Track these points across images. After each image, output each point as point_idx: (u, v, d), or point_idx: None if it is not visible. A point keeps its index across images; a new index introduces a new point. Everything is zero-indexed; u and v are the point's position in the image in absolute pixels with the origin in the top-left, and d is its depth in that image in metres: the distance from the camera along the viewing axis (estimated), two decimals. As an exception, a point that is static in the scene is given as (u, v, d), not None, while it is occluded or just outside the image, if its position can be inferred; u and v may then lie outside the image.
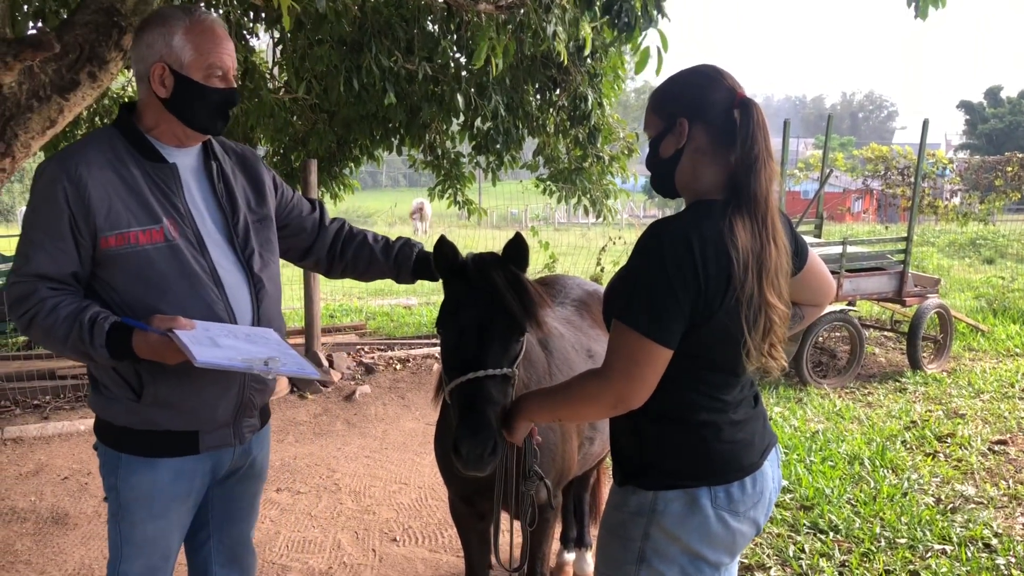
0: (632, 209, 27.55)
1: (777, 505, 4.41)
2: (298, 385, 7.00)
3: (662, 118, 1.87)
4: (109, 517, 2.26)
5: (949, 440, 5.56)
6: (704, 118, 1.81)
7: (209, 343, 1.93)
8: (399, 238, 2.63)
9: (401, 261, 2.56)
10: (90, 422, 6.14)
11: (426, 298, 12.03)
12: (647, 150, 1.96)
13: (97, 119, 7.74)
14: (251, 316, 2.22)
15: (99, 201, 1.99)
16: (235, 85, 2.16)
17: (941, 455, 5.30)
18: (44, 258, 1.99)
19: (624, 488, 1.93)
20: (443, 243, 2.23)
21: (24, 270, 2.01)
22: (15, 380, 6.67)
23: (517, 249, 2.21)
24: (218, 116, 2.14)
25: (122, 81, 7.98)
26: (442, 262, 2.24)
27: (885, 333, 8.77)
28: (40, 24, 5.67)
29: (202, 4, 6.24)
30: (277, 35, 6.88)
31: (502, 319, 2.11)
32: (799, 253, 1.98)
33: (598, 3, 4.44)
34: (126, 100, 7.89)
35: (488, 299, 2.12)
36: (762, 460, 1.92)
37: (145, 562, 2.25)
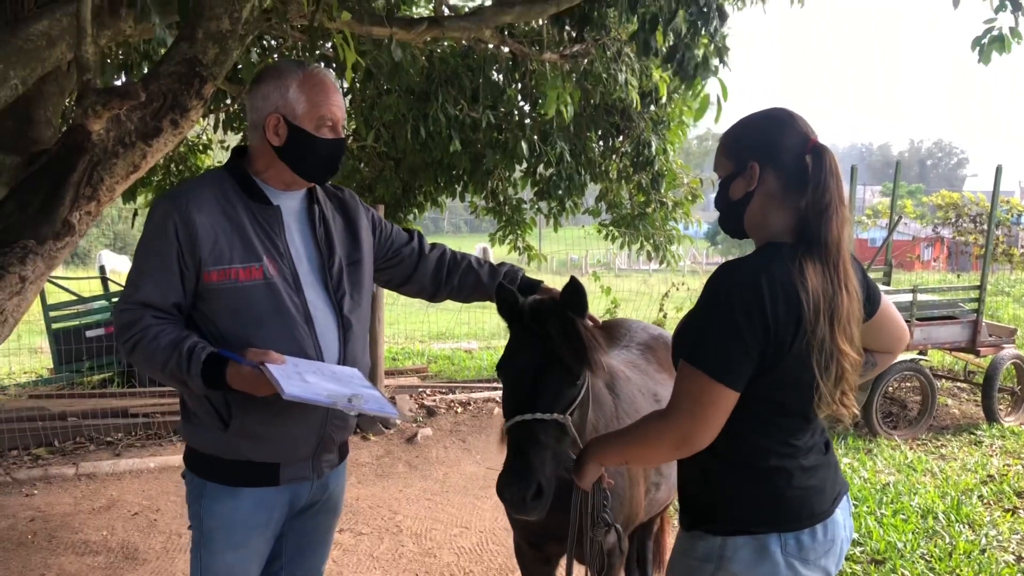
0: (695, 255, 27.35)
1: (847, 558, 4.28)
2: (361, 426, 7.06)
3: (733, 160, 1.87)
4: (192, 546, 2.33)
5: (1029, 496, 5.35)
6: (775, 162, 1.80)
7: (297, 378, 2.01)
8: (503, 264, 2.74)
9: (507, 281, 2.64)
10: (160, 459, 6.28)
11: (486, 342, 12.07)
12: (717, 189, 1.97)
13: (172, 165, 8.02)
14: (338, 354, 2.28)
15: (205, 237, 2.10)
16: (343, 135, 2.27)
17: (1021, 511, 5.09)
18: (151, 288, 2.11)
19: (691, 533, 1.90)
20: (502, 290, 2.30)
21: (132, 298, 2.12)
22: (90, 417, 6.87)
23: (574, 294, 2.24)
24: (326, 167, 2.27)
25: (197, 130, 8.27)
26: (503, 307, 2.30)
27: (958, 384, 8.50)
28: (124, 77, 5.95)
29: (275, 56, 6.47)
30: (347, 85, 7.09)
31: (555, 364, 2.15)
32: (871, 299, 1.95)
33: (661, 52, 4.48)
34: (201, 147, 8.19)
35: (542, 344, 2.17)
36: (833, 507, 1.88)
37: None
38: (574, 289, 2.24)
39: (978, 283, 7.46)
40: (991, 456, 6.35)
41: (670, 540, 4.35)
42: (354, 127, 7.43)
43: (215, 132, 7.79)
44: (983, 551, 4.40)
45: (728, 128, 1.96)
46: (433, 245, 2.70)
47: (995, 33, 4.66)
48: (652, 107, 7.26)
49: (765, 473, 1.81)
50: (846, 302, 1.74)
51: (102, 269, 10.36)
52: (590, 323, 2.34)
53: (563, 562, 2.40)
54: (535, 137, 7.07)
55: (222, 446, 2.20)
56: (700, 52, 4.52)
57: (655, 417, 1.88)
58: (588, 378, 2.27)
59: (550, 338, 2.15)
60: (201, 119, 7.55)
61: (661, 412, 1.84)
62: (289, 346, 2.14)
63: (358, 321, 2.36)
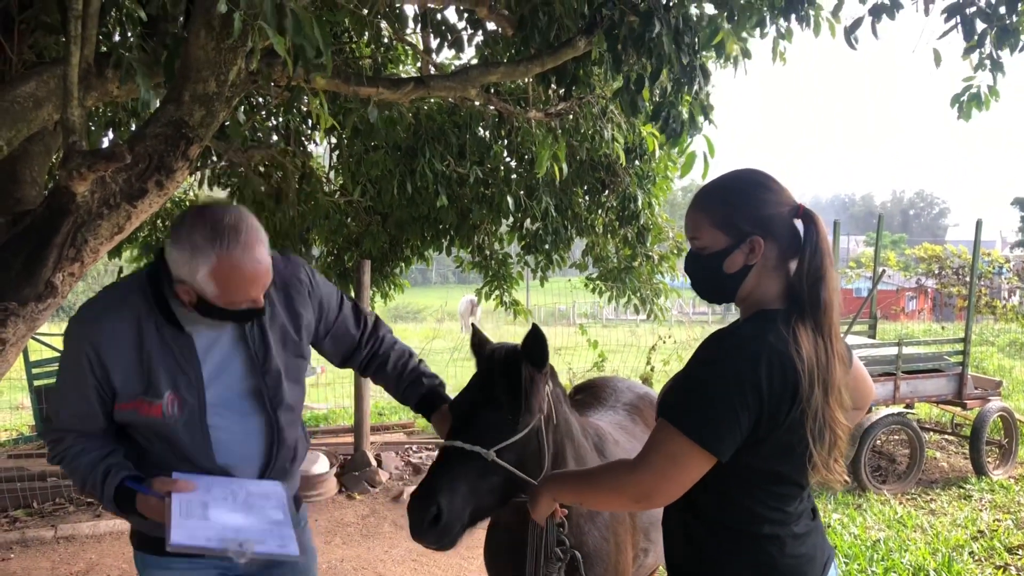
0: (681, 306, 27.41)
1: (840, 619, 4.22)
2: (346, 485, 6.97)
3: (729, 234, 1.80)
4: None
5: (1020, 552, 5.30)
6: (774, 234, 1.79)
7: (200, 514, 1.99)
8: (416, 370, 2.64)
9: (407, 396, 2.63)
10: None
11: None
12: (692, 259, 1.90)
13: (159, 220, 8.01)
14: (261, 468, 2.29)
15: (115, 371, 2.09)
16: (262, 304, 2.11)
17: (1012, 568, 5.05)
18: (71, 417, 2.16)
19: None
20: (474, 333, 2.46)
21: (55, 424, 2.20)
22: (69, 478, 6.75)
23: (534, 342, 2.27)
24: (244, 318, 2.15)
25: (184, 186, 8.29)
26: (473, 348, 2.44)
27: (946, 436, 8.48)
28: (111, 134, 5.97)
29: (263, 113, 6.52)
30: (334, 141, 7.14)
31: (490, 403, 2.20)
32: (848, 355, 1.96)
33: (646, 110, 4.54)
34: (187, 204, 8.19)
35: (484, 382, 2.26)
36: (824, 574, 1.86)
37: None
38: (534, 337, 2.26)
39: (963, 335, 7.49)
40: (981, 511, 6.31)
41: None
42: (341, 183, 7.46)
43: (200, 188, 7.81)
44: (976, 610, 4.35)
45: (707, 193, 1.89)
46: (372, 335, 2.61)
47: (974, 91, 4.75)
48: (637, 162, 7.34)
49: (758, 541, 1.79)
50: (838, 371, 1.73)
51: (86, 324, 10.27)
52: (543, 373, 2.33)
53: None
54: (521, 192, 7.12)
55: (145, 524, 2.18)
56: (685, 110, 4.58)
57: (621, 467, 1.87)
58: (539, 434, 2.25)
59: (492, 378, 2.24)
60: (188, 176, 7.58)
61: (628, 462, 1.83)
62: (193, 470, 2.16)
63: (293, 423, 2.36)
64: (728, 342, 1.75)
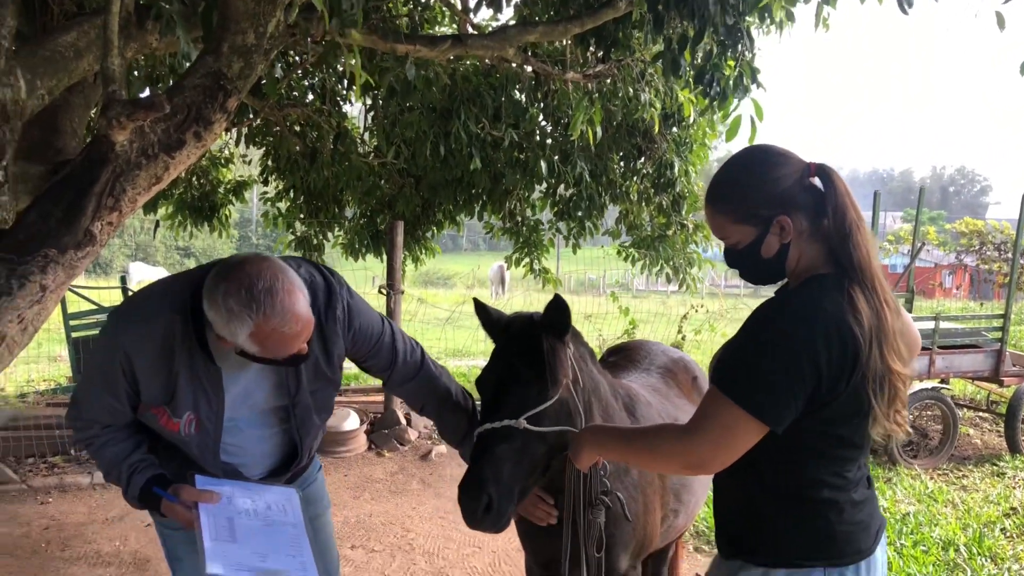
0: (713, 278, 27.20)
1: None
2: (376, 442, 7.04)
3: (753, 224, 1.79)
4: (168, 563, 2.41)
5: (1053, 530, 5.24)
6: (797, 204, 1.76)
7: (227, 535, 2.06)
8: (459, 426, 2.56)
9: (464, 452, 2.55)
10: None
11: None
12: (731, 255, 1.88)
13: (194, 178, 8.07)
14: (270, 473, 2.37)
15: (143, 380, 2.11)
16: (306, 351, 2.07)
17: (1045, 545, 5.00)
18: (100, 411, 2.18)
19: (731, 562, 1.85)
20: (477, 305, 2.42)
21: (82, 414, 2.21)
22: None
23: (556, 311, 2.25)
24: (288, 364, 2.11)
25: (219, 144, 8.33)
26: (484, 324, 2.40)
27: (980, 414, 8.38)
28: (148, 91, 6.00)
29: (299, 72, 6.51)
30: (369, 102, 7.12)
31: (516, 377, 2.18)
32: None
33: (689, 74, 4.46)
34: (223, 161, 8.23)
35: (503, 360, 2.23)
36: (875, 545, 1.83)
37: None
38: (556, 307, 2.24)
39: (1002, 312, 7.36)
40: (1014, 488, 6.24)
41: (686, 565, 4.29)
42: (375, 144, 7.45)
43: (237, 146, 7.85)
44: (1006, 586, 4.32)
45: (716, 192, 1.85)
46: (412, 379, 2.52)
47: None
48: (675, 129, 7.25)
49: (817, 506, 1.77)
50: (890, 319, 1.69)
51: (123, 279, 10.42)
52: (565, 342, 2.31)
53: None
54: (555, 157, 7.06)
55: (165, 518, 2.25)
56: (730, 73, 4.50)
57: (673, 432, 1.84)
58: (571, 396, 2.25)
59: (513, 352, 2.21)
60: (223, 133, 7.61)
61: (681, 429, 1.80)
62: (203, 471, 2.22)
63: (312, 444, 2.42)
64: (784, 312, 1.71)
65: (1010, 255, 9.90)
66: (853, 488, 1.79)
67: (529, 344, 2.20)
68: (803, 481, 1.76)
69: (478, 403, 2.42)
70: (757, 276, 1.88)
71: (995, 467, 6.83)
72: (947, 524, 5.26)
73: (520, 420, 2.10)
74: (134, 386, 2.11)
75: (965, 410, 8.34)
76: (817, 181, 1.76)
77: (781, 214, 1.74)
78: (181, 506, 2.10)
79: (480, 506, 2.03)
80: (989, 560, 4.70)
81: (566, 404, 2.23)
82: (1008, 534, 5.18)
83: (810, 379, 1.63)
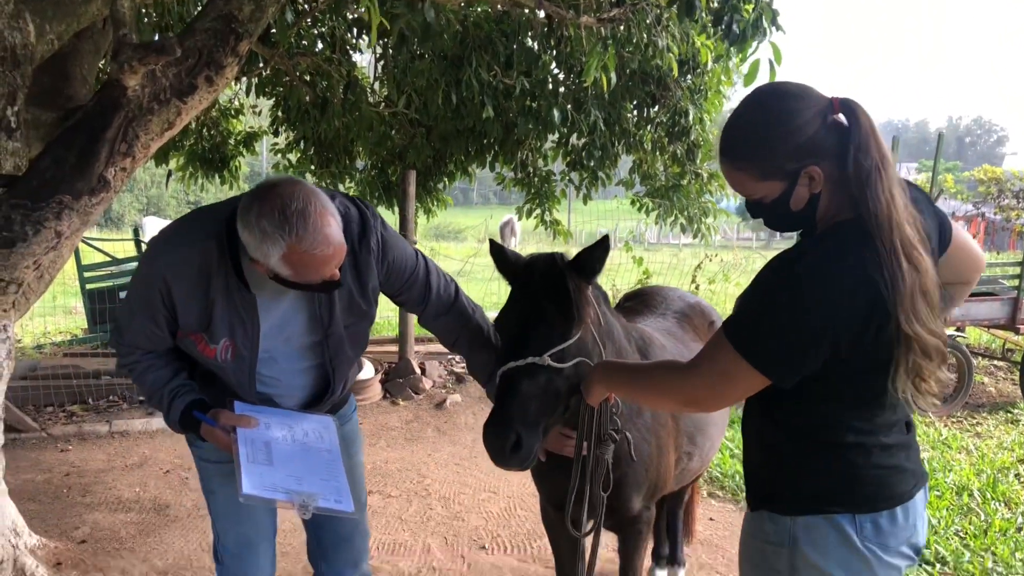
0: (725, 231, 27.07)
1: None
2: (391, 392, 7.09)
3: (779, 179, 1.66)
4: (204, 495, 2.46)
5: (1067, 475, 5.25)
6: (824, 150, 1.62)
7: (264, 458, 2.11)
8: (494, 350, 2.52)
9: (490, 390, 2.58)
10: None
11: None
12: (755, 207, 1.74)
13: (204, 129, 8.03)
14: (304, 405, 2.39)
15: (180, 306, 2.14)
16: (339, 277, 2.08)
17: (1058, 491, 5.01)
18: (141, 337, 2.23)
19: (758, 514, 1.78)
20: (492, 246, 2.39)
21: (124, 339, 2.26)
22: (123, 376, 6.94)
23: (601, 251, 2.24)
24: (321, 291, 2.12)
25: (229, 95, 8.27)
26: (500, 265, 2.37)
27: (995, 362, 8.36)
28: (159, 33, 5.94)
29: (308, 20, 6.42)
30: (380, 51, 7.03)
31: (541, 316, 2.16)
32: (943, 232, 1.78)
33: (706, 16, 4.38)
34: (233, 112, 8.17)
35: (528, 299, 2.20)
36: (915, 491, 1.72)
37: (237, 533, 2.41)
38: (603, 247, 2.24)
39: (1019, 260, 7.30)
40: (1028, 435, 6.25)
41: (700, 510, 4.33)
42: (386, 93, 7.38)
43: (247, 96, 7.78)
44: (1020, 529, 4.33)
45: (733, 149, 1.71)
46: (446, 312, 2.53)
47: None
48: (689, 76, 7.13)
49: (840, 449, 1.67)
50: (908, 279, 1.53)
51: (136, 231, 10.45)
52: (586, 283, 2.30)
53: (590, 524, 2.41)
54: (568, 106, 6.97)
55: (203, 442, 2.31)
56: (748, 13, 4.41)
57: (673, 370, 1.83)
58: (588, 333, 2.25)
59: (537, 290, 2.19)
60: (233, 83, 7.54)
61: (681, 368, 1.78)
62: (242, 400, 2.27)
63: (344, 375, 2.44)
64: (800, 266, 1.59)
65: (1028, 203, 9.79)
66: (883, 432, 1.69)
67: (554, 282, 2.19)
68: (826, 424, 1.68)
69: None
70: (784, 226, 1.77)
71: (1009, 414, 6.84)
72: (961, 470, 5.28)
73: (544, 357, 2.10)
74: (172, 312, 2.14)
75: (980, 358, 8.32)
76: (842, 117, 1.62)
77: (810, 164, 1.61)
78: (220, 430, 2.15)
79: (508, 444, 2.04)
80: (1003, 505, 4.72)
81: (585, 343, 2.23)
82: (1022, 480, 5.20)
83: (822, 337, 1.55)
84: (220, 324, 2.14)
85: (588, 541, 2.44)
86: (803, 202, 1.65)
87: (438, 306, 2.49)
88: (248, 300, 2.14)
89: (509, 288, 2.34)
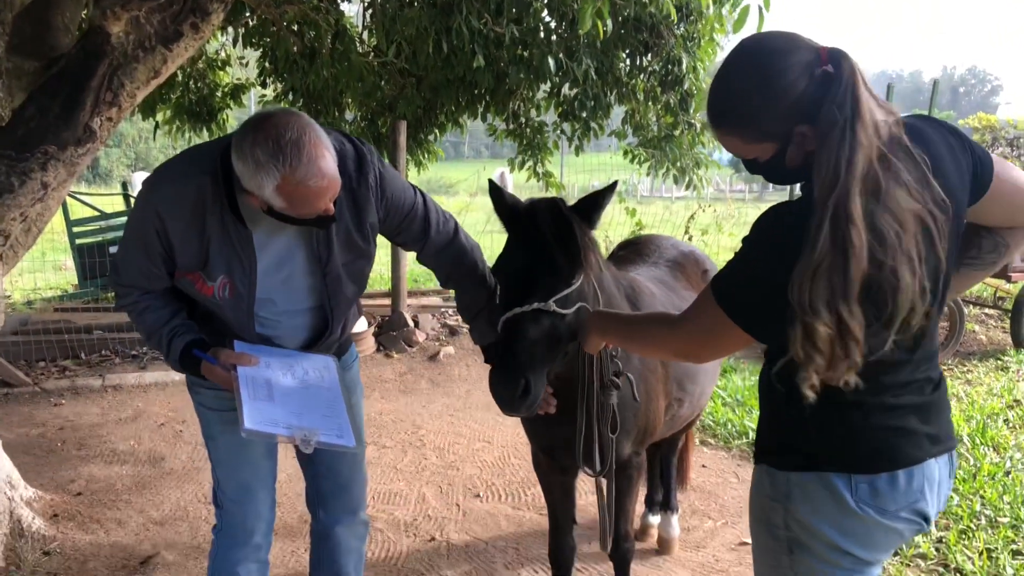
0: (718, 183, 27.00)
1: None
2: (384, 344, 7.10)
3: (770, 140, 1.59)
4: (205, 442, 2.48)
5: (1055, 421, 5.31)
6: (815, 105, 1.51)
7: (265, 394, 2.11)
8: (488, 310, 2.53)
9: (477, 335, 2.62)
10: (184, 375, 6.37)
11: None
12: (752, 165, 1.68)
13: (191, 82, 7.92)
14: (303, 347, 2.38)
15: (178, 246, 2.12)
16: (333, 212, 2.06)
17: (1046, 436, 5.07)
18: (138, 276, 2.23)
19: (759, 468, 1.77)
20: (491, 187, 2.35)
21: (122, 279, 2.26)
22: (115, 331, 6.94)
23: (603, 198, 2.24)
24: (316, 225, 2.11)
25: (215, 46, 8.14)
26: (499, 209, 2.32)
27: (986, 311, 8.41)
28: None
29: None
30: (367, -1, 6.92)
31: (545, 261, 2.14)
32: (981, 169, 1.64)
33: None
34: (220, 64, 8.05)
35: (531, 244, 2.17)
36: (926, 457, 1.63)
37: (237, 479, 2.42)
38: (600, 193, 2.24)
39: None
40: (1018, 381, 6.30)
41: (694, 458, 4.37)
42: (374, 43, 7.27)
43: (234, 47, 7.67)
44: (1007, 473, 4.38)
45: (721, 114, 1.63)
46: (445, 248, 2.52)
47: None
48: (683, 24, 7.04)
49: (839, 408, 1.60)
50: (821, 252, 1.41)
51: (124, 185, 10.36)
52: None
53: (583, 473, 2.44)
54: (560, 54, 6.88)
55: (203, 380, 2.29)
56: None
57: (664, 323, 1.84)
58: (588, 280, 2.25)
59: (542, 236, 2.15)
60: (220, 34, 7.42)
61: (671, 321, 1.79)
62: (242, 340, 2.27)
63: (344, 313, 2.43)
64: (785, 221, 1.54)
65: (1022, 151, 9.77)
66: (890, 392, 1.61)
67: (560, 227, 2.16)
68: (825, 383, 1.57)
69: None
70: (784, 181, 1.71)
71: (999, 362, 6.89)
72: (951, 416, 5.31)
73: (549, 303, 2.09)
74: (169, 251, 2.13)
75: (971, 307, 8.36)
76: (831, 68, 1.51)
77: (800, 124, 1.54)
78: (220, 368, 2.15)
79: (517, 391, 2.03)
80: (991, 449, 4.77)
81: (585, 289, 2.22)
82: (1011, 425, 5.25)
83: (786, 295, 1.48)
84: (217, 261, 2.13)
85: (588, 485, 2.47)
86: (798, 160, 1.59)
87: (437, 242, 2.48)
88: (244, 236, 2.13)
89: (506, 233, 2.32)
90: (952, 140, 1.62)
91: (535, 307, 2.08)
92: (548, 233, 2.16)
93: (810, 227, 1.43)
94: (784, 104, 1.53)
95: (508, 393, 2.04)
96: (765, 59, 1.54)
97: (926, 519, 1.66)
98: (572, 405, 2.38)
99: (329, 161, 1.96)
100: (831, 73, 1.51)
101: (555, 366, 2.21)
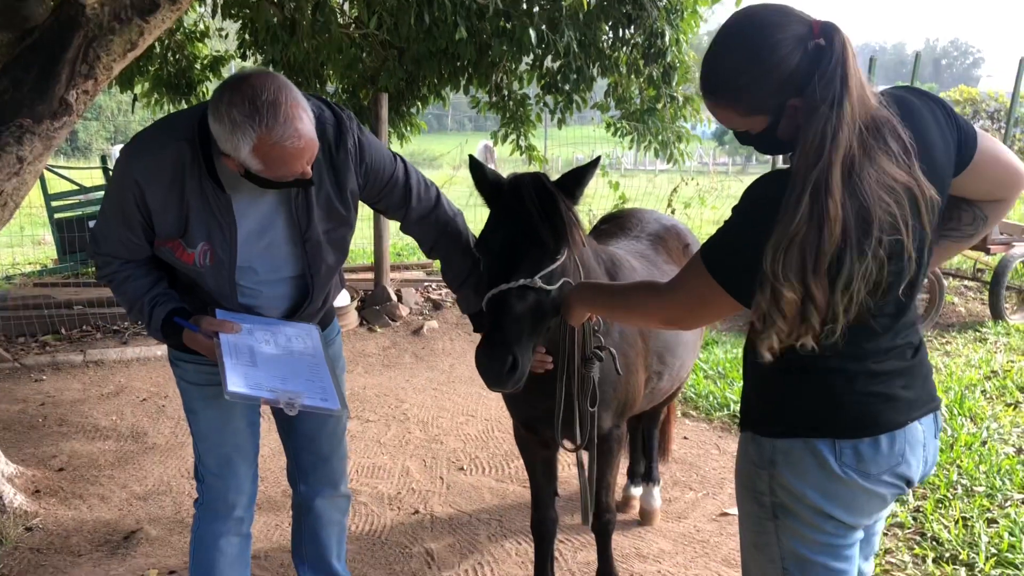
0: (701, 156, 26.99)
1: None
2: (367, 319, 7.09)
3: (763, 113, 1.60)
4: (186, 416, 2.47)
5: (1031, 391, 5.38)
6: (807, 78, 1.51)
7: (248, 360, 2.10)
8: (475, 277, 2.52)
9: (465, 304, 2.62)
10: (166, 348, 6.33)
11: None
12: (744, 136, 1.70)
13: (170, 54, 7.81)
14: (283, 316, 2.36)
15: (157, 213, 2.11)
16: (310, 175, 2.05)
17: (1023, 406, 5.13)
18: (118, 246, 2.21)
19: (745, 435, 1.80)
20: (471, 163, 2.33)
21: (102, 249, 2.25)
22: (96, 306, 6.88)
23: (586, 174, 2.25)
24: (293, 188, 2.10)
25: (193, 17, 8.02)
26: (482, 185, 2.32)
27: (966, 283, 8.48)
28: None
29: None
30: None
31: (531, 237, 2.15)
32: (964, 144, 1.66)
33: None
34: (198, 35, 7.94)
35: (517, 219, 2.17)
36: (910, 420, 1.67)
37: (218, 453, 2.42)
38: (582, 168, 2.25)
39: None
40: (995, 353, 6.37)
41: (676, 430, 4.41)
42: (355, 14, 7.19)
43: (213, 19, 7.57)
44: (984, 443, 4.45)
45: (714, 86, 1.63)
46: (428, 216, 2.51)
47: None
48: (669, -5, 7.00)
49: (823, 375, 1.64)
50: (797, 223, 1.44)
51: (103, 159, 10.25)
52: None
53: (571, 445, 2.45)
54: (543, 26, 6.82)
55: (185, 350, 2.29)
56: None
57: (651, 291, 1.86)
58: (571, 255, 2.26)
59: (527, 212, 2.15)
60: (198, 4, 7.31)
61: (657, 289, 1.81)
62: (224, 309, 2.26)
63: (326, 283, 2.42)
64: (771, 189, 1.56)
65: (1003, 124, 9.81)
66: (873, 358, 1.64)
67: (545, 203, 2.17)
68: (811, 350, 1.58)
69: None
70: (776, 152, 1.76)
71: (978, 333, 6.97)
72: (933, 378, 5.37)
73: (535, 279, 2.10)
74: (148, 219, 2.12)
75: (951, 279, 8.44)
76: (823, 42, 1.53)
77: (792, 98, 1.55)
78: (202, 335, 2.14)
79: (505, 366, 2.04)
80: (969, 420, 4.83)
81: (568, 264, 2.24)
82: (988, 395, 5.31)
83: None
84: (197, 227, 2.12)
85: (570, 458, 2.49)
86: (790, 132, 1.59)
87: (420, 210, 2.47)
88: (223, 201, 2.11)
89: (488, 209, 2.31)
90: (939, 112, 1.64)
91: (521, 283, 2.09)
92: (533, 209, 2.16)
93: (789, 199, 1.45)
94: (777, 78, 1.54)
95: (496, 368, 2.05)
96: (758, 33, 1.55)
97: (908, 482, 1.70)
98: (552, 377, 2.40)
99: (306, 122, 1.95)
100: (823, 47, 1.51)
101: (540, 340, 2.22)
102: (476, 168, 2.34)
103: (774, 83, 1.54)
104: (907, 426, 1.67)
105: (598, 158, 2.29)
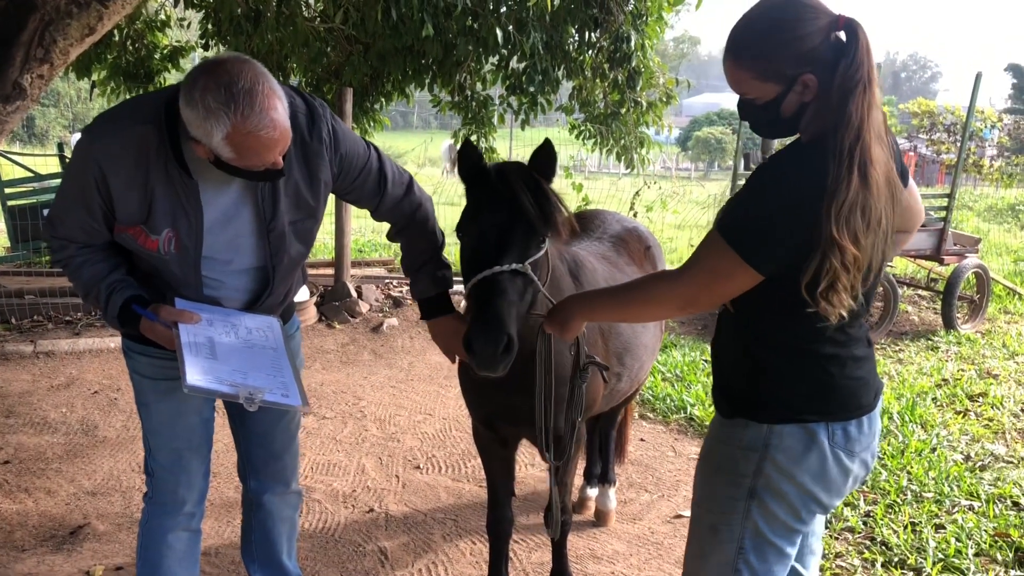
0: (665, 161, 27.17)
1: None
2: (326, 315, 7.03)
3: (776, 82, 1.71)
4: (138, 409, 2.42)
5: (981, 400, 5.49)
6: (823, 61, 1.67)
7: (207, 352, 2.05)
8: (432, 264, 2.56)
9: (419, 289, 2.59)
10: (119, 340, 6.22)
11: (453, 238, 11.98)
12: (747, 107, 1.81)
13: (129, 43, 7.68)
14: (245, 307, 2.31)
15: (119, 199, 2.05)
16: (281, 166, 2.01)
17: (972, 414, 5.24)
18: (76, 230, 2.14)
19: (733, 421, 1.88)
20: (467, 146, 2.31)
21: (59, 232, 2.17)
22: (48, 296, 6.73)
23: (545, 155, 2.25)
24: (263, 179, 2.06)
25: (155, 6, 7.90)
26: (466, 166, 2.30)
27: (919, 292, 8.64)
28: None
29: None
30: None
31: (520, 222, 2.16)
32: (903, 173, 1.85)
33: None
34: (159, 25, 7.81)
35: (507, 203, 2.17)
36: (875, 402, 1.87)
37: (169, 448, 2.37)
38: (546, 151, 2.25)
39: (946, 193, 7.49)
40: (946, 361, 6.51)
41: (633, 431, 4.43)
42: (321, 8, 7.13)
43: (175, 8, 7.46)
44: (933, 450, 4.53)
45: (740, 45, 1.75)
46: (398, 205, 2.49)
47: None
48: (633, 1, 7.04)
49: (820, 360, 1.79)
50: (854, 189, 1.59)
51: (60, 147, 10.05)
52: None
53: (521, 444, 2.45)
54: (510, 27, 6.83)
55: (141, 338, 2.24)
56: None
57: (663, 278, 1.94)
58: (548, 245, 2.28)
59: (517, 196, 2.16)
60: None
61: (673, 274, 1.87)
62: (183, 298, 2.20)
63: (288, 277, 2.38)
64: (784, 166, 1.72)
65: (958, 137, 10.00)
66: (855, 344, 1.82)
67: (531, 187, 2.18)
68: (805, 335, 1.78)
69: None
70: (768, 131, 1.88)
71: (930, 342, 7.10)
72: (882, 394, 5.46)
73: (525, 264, 2.12)
74: (109, 204, 2.06)
75: (905, 288, 8.59)
76: (843, 35, 1.69)
77: (807, 72, 1.68)
78: (160, 324, 2.08)
79: (500, 348, 2.03)
80: (919, 427, 4.92)
81: (548, 258, 2.27)
82: (938, 403, 5.42)
83: (797, 228, 1.63)
84: (161, 214, 2.06)
85: (527, 458, 2.49)
86: (793, 108, 1.73)
87: (393, 197, 2.45)
88: (190, 187, 2.06)
89: (467, 196, 2.30)
90: (893, 142, 1.81)
91: (513, 267, 2.10)
92: (524, 195, 2.16)
93: (838, 171, 1.60)
94: (800, 48, 1.67)
95: (491, 350, 2.04)
96: (792, 9, 1.70)
97: (874, 458, 1.92)
98: (515, 374, 2.38)
99: (281, 112, 1.91)
100: (844, 39, 1.68)
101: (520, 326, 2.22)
102: (470, 151, 2.31)
103: (795, 53, 1.68)
104: (875, 408, 1.87)
105: (546, 139, 2.27)
